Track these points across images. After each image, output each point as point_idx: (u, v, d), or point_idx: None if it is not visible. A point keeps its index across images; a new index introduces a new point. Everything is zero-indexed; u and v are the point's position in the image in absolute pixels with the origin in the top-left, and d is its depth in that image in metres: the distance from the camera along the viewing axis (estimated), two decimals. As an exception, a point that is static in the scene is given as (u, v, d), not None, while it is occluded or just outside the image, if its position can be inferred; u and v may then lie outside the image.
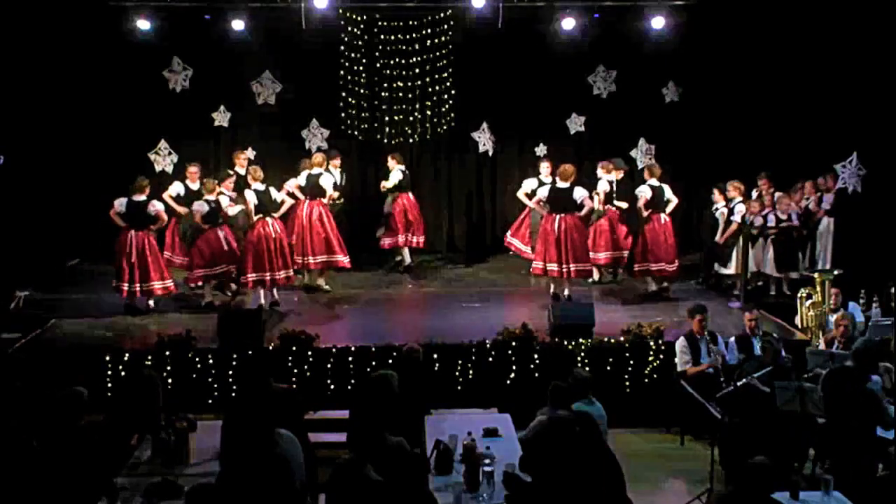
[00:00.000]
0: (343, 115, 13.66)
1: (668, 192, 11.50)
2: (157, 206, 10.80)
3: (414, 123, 13.76)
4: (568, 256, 10.95)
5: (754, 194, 12.01)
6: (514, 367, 9.58)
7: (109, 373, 9.27)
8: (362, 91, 13.63)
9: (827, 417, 7.51)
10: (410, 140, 13.83)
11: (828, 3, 12.04)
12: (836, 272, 10.20)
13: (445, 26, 13.41)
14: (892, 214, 11.22)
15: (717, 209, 11.93)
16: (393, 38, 13.44)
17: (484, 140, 14.15)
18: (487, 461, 5.95)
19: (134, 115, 13.23)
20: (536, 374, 9.45)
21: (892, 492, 6.64)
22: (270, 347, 9.58)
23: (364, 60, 13.52)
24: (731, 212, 11.68)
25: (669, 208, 11.51)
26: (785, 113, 12.96)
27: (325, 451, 6.60)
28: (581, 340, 9.68)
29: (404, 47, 13.49)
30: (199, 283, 11.30)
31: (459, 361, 9.56)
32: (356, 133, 13.72)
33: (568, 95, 13.92)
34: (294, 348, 9.52)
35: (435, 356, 9.46)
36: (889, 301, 9.99)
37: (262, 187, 10.97)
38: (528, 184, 12.15)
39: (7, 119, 11.66)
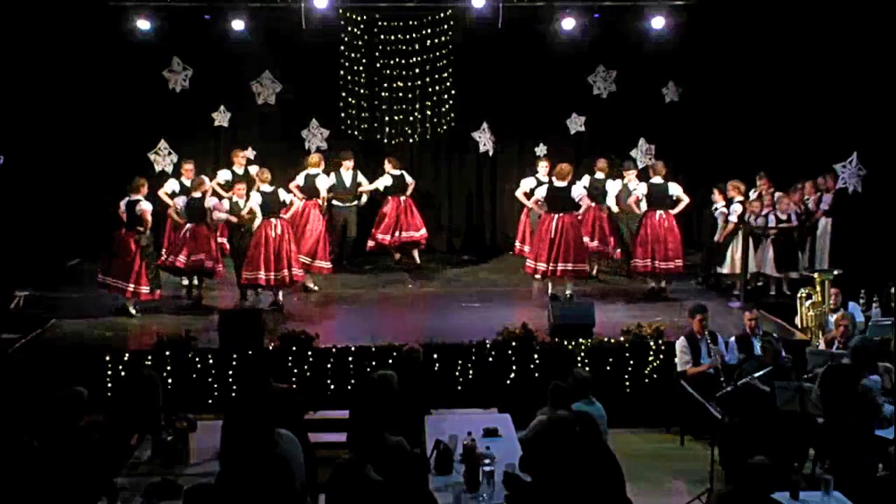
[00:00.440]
0: (343, 115, 13.65)
1: (675, 190, 11.51)
2: (142, 207, 10.65)
3: (414, 123, 13.76)
4: (559, 256, 10.96)
5: (754, 194, 12.01)
6: (514, 367, 9.58)
7: (109, 373, 9.26)
8: (362, 91, 13.63)
9: (825, 416, 7.53)
10: (410, 140, 13.84)
11: (828, 3, 12.05)
12: (835, 272, 10.20)
13: (445, 26, 13.41)
14: (892, 214, 11.22)
15: (716, 209, 11.92)
16: (393, 38, 13.45)
17: (484, 140, 14.14)
18: (487, 461, 5.95)
19: (134, 115, 13.22)
20: (536, 374, 9.44)
21: (892, 492, 6.65)
22: (270, 347, 9.58)
23: (364, 60, 13.52)
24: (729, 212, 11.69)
25: (679, 207, 11.52)
26: (785, 113, 12.96)
27: (325, 451, 6.59)
28: (581, 340, 9.68)
29: (404, 47, 13.49)
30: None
31: (459, 361, 9.55)
32: (356, 133, 13.71)
33: (568, 95, 13.92)
34: (294, 348, 9.51)
35: (435, 356, 9.45)
36: (889, 301, 9.98)
37: (269, 189, 10.97)
38: (526, 183, 12.16)
39: (7, 119, 11.66)
